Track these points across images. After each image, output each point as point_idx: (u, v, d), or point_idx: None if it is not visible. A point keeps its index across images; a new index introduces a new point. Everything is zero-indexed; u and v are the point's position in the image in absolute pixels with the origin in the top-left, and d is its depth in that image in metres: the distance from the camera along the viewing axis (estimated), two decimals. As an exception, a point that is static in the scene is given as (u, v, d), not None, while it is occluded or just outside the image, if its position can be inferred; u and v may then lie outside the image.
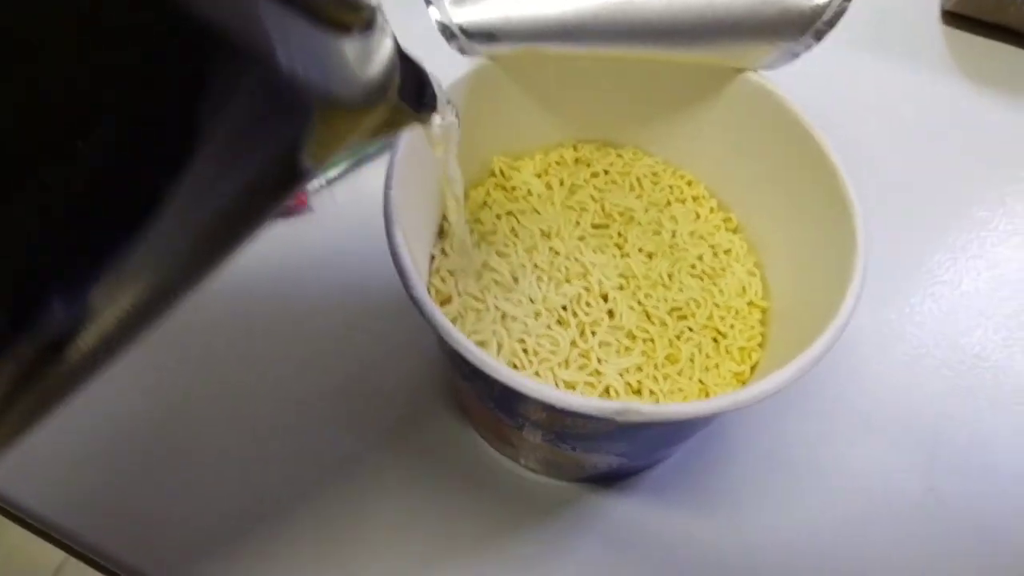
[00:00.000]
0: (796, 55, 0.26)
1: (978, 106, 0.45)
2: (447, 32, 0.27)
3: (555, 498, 0.31)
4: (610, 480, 0.32)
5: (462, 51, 0.27)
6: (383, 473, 0.32)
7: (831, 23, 0.25)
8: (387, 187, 0.24)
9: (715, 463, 0.32)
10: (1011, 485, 0.32)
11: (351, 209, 0.39)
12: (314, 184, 0.39)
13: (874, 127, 0.43)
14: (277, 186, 0.14)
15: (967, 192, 0.41)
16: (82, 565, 0.33)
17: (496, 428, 0.29)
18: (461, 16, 0.26)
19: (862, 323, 0.36)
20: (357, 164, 0.40)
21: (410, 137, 0.25)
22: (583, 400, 0.20)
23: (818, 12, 0.25)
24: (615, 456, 0.27)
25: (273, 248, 0.38)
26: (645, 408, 0.20)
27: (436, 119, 0.22)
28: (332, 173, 0.39)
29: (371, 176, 0.40)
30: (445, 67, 0.28)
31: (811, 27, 0.26)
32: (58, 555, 0.81)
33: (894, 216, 0.40)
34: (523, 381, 0.20)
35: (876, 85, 0.46)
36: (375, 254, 0.37)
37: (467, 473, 0.32)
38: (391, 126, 0.20)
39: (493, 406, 0.25)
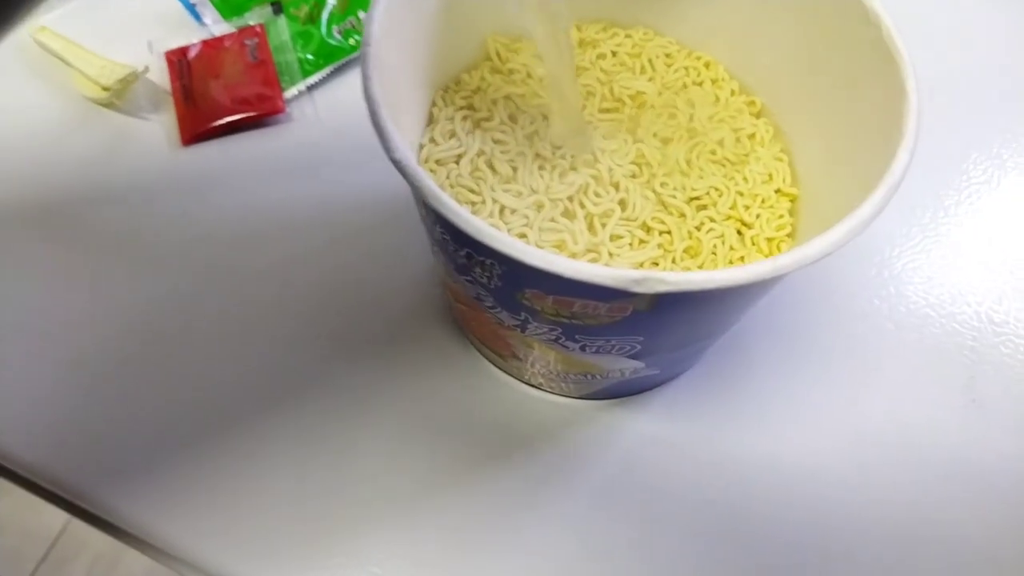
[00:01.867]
0: None
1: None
2: None
3: (564, 416, 0.29)
4: (622, 396, 0.29)
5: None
6: (375, 395, 0.29)
7: None
8: (366, 41, 0.20)
9: (735, 377, 0.30)
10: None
11: (333, 116, 0.36)
12: (292, 91, 0.36)
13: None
14: None
15: (1013, 92, 0.38)
16: (84, 526, 0.30)
17: (497, 337, 0.26)
18: None
19: (893, 228, 0.33)
20: (339, 70, 0.37)
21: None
22: (595, 268, 0.17)
23: None
24: (629, 360, 0.24)
25: (250, 158, 0.34)
26: (670, 276, 0.17)
27: None
28: (312, 79, 0.36)
29: (354, 82, 0.37)
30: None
31: None
32: (59, 519, 0.79)
33: (930, 115, 0.36)
34: (523, 247, 0.17)
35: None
36: (359, 164, 0.34)
37: (467, 393, 0.29)
38: None
39: (492, 303, 0.22)
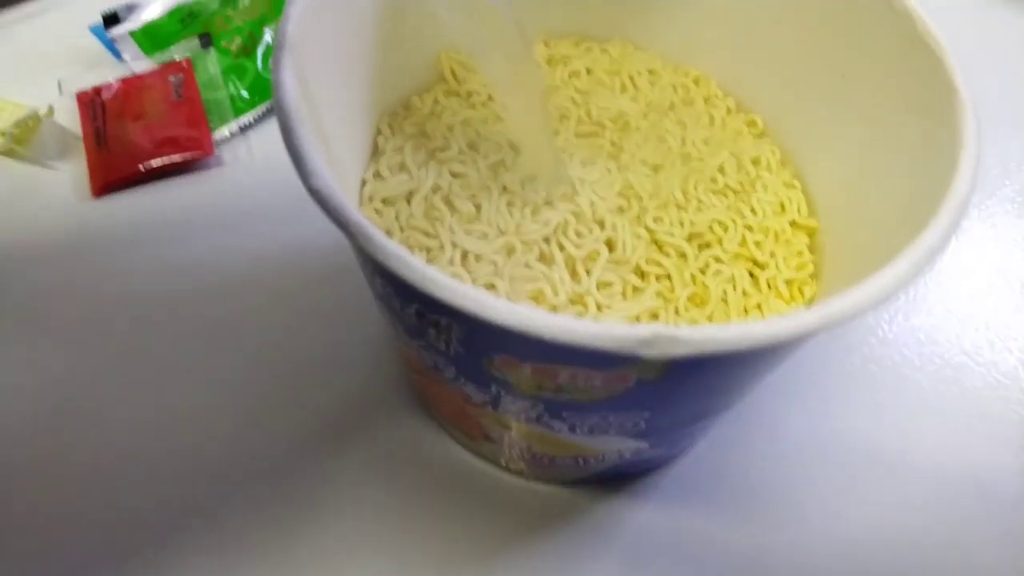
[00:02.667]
0: None
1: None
2: None
3: (549, 508, 0.24)
4: (614, 482, 0.24)
5: None
6: (330, 484, 0.24)
7: None
8: (279, 43, 0.16)
9: (751, 452, 0.25)
10: None
11: (269, 159, 0.31)
12: (223, 131, 0.31)
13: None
14: None
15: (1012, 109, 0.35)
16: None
17: (464, 415, 0.21)
18: None
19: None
20: (274, 110, 0.32)
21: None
22: (586, 326, 0.12)
23: None
24: (628, 439, 0.19)
25: (173, 208, 0.29)
26: (688, 333, 0.12)
27: None
28: (246, 118, 0.31)
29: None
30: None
31: None
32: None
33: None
34: (485, 300, 0.13)
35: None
36: (299, 212, 0.29)
37: (435, 481, 0.24)
38: None
39: (454, 374, 0.18)
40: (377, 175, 0.21)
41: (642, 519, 0.23)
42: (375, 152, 0.22)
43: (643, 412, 0.17)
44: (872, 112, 0.19)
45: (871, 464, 0.24)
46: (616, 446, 0.19)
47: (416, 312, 0.16)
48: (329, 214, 0.14)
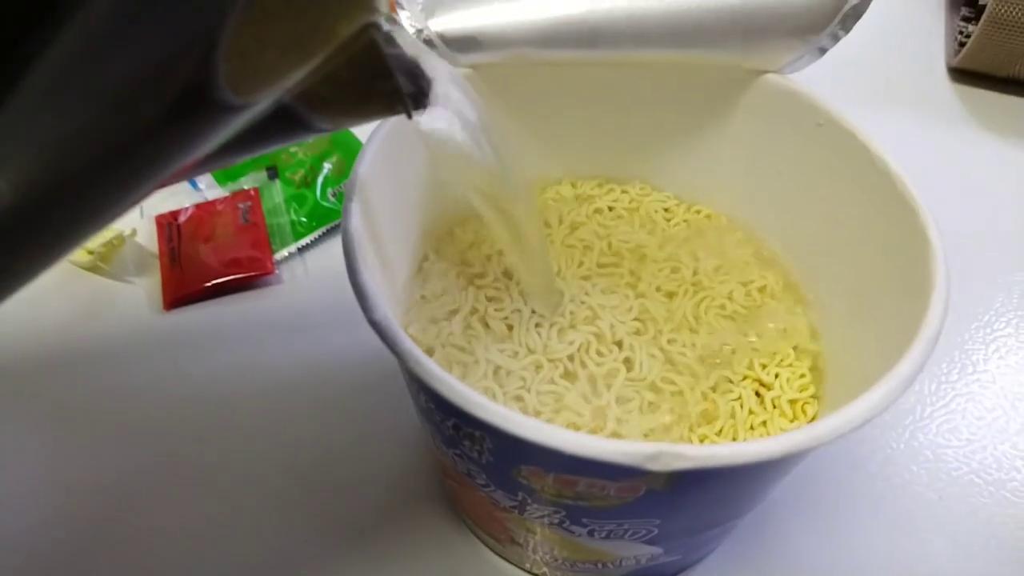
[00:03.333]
0: (823, 50, 0.23)
1: (993, 157, 0.41)
2: (426, 41, 0.23)
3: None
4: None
5: (441, 64, 0.24)
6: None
7: (859, 9, 0.22)
8: (351, 184, 0.19)
9: (768, 560, 0.26)
10: None
11: (324, 280, 0.35)
12: (283, 252, 0.35)
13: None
14: (186, 104, 0.11)
15: (1011, 242, 0.37)
16: None
17: (493, 519, 0.23)
18: (439, 24, 0.23)
19: (922, 387, 0.31)
20: (330, 232, 0.36)
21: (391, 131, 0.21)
22: (600, 443, 0.15)
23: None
24: (645, 545, 0.21)
25: (239, 320, 0.33)
26: (689, 450, 0.14)
27: (425, 118, 0.18)
28: (304, 240, 0.35)
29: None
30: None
31: (838, 15, 0.22)
32: None
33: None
34: (515, 418, 0.15)
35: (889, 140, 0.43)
36: (351, 329, 0.32)
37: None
38: (357, 95, 0.16)
39: (485, 480, 0.20)
40: (423, 297, 0.24)
41: (660, 627, 0.24)
42: (420, 273, 0.25)
43: (654, 519, 0.19)
44: (864, 253, 0.22)
45: (884, 580, 0.25)
46: (632, 552, 0.21)
47: (454, 425, 0.18)
48: (386, 342, 0.17)
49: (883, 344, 0.19)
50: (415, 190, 0.24)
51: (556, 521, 0.20)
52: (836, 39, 0.23)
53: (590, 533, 0.20)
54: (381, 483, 0.28)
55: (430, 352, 0.23)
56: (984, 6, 0.42)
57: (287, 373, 0.31)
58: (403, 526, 0.27)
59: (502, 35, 0.23)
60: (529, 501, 0.19)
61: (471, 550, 0.26)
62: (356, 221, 0.19)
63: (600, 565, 0.22)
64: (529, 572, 0.25)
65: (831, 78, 0.23)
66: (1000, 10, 0.41)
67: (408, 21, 0.23)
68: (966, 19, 0.47)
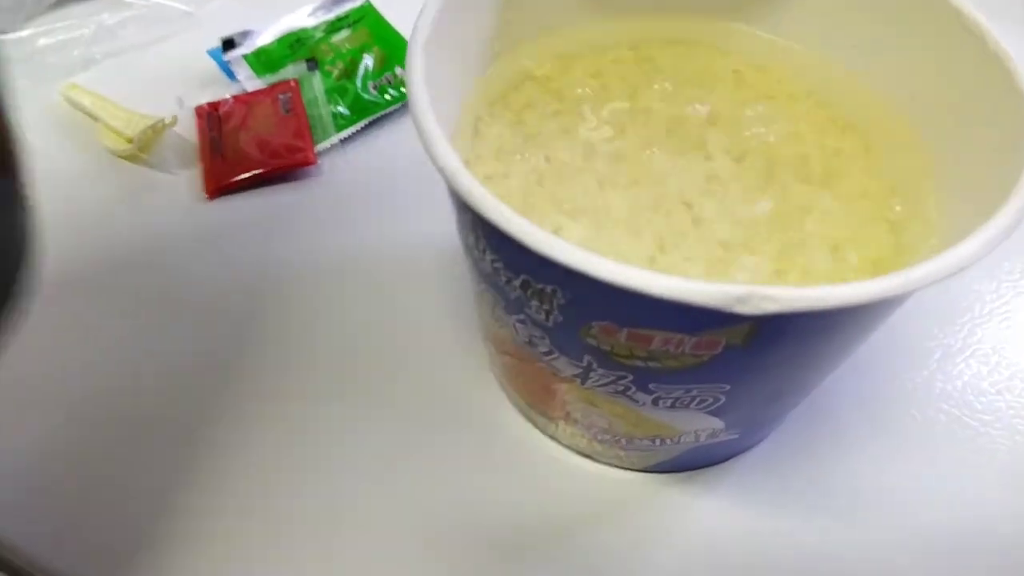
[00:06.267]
0: None
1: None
2: None
3: (623, 494, 0.25)
4: (692, 469, 0.25)
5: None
6: (404, 462, 0.25)
7: None
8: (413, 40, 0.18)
9: (820, 451, 0.26)
10: None
11: (366, 170, 0.34)
12: (324, 144, 0.34)
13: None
14: None
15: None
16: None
17: (549, 393, 0.22)
18: None
19: (981, 285, 0.30)
20: (373, 124, 0.35)
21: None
22: (688, 284, 0.14)
23: None
24: (708, 416, 0.20)
25: (279, 210, 0.32)
26: (781, 292, 0.14)
27: None
28: (346, 132, 0.34)
29: (389, 137, 0.35)
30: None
31: None
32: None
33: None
34: (599, 261, 0.14)
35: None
36: (391, 218, 0.32)
37: (511, 467, 0.25)
38: None
39: (548, 347, 0.19)
40: (478, 156, 0.23)
41: (712, 508, 0.24)
42: (475, 135, 0.23)
43: (725, 384, 0.18)
44: (944, 117, 0.21)
45: (942, 479, 0.25)
46: (694, 425, 0.21)
47: (522, 283, 0.17)
48: (456, 189, 0.16)
49: (970, 207, 0.19)
50: (468, 47, 0.23)
51: (621, 389, 0.19)
52: None
53: (655, 402, 0.19)
54: (429, 368, 0.28)
55: None
56: None
57: (332, 264, 0.31)
58: (453, 409, 0.27)
59: None
60: (595, 366, 0.19)
61: (521, 433, 0.26)
62: (419, 78, 0.18)
63: (657, 441, 0.22)
64: (581, 453, 0.25)
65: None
66: None
67: None
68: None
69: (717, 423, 0.21)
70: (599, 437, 0.23)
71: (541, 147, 0.23)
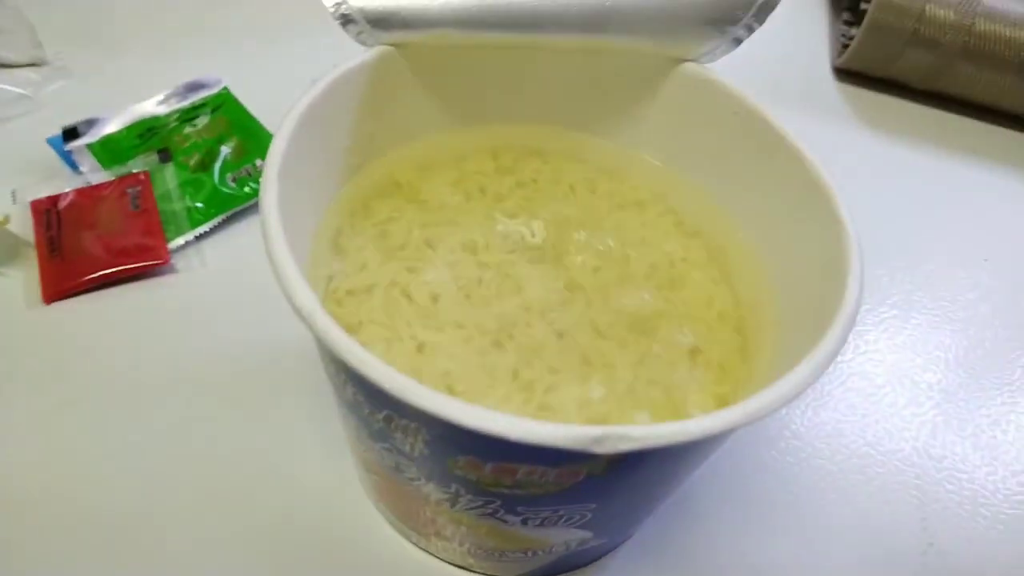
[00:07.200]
0: (738, 41, 0.23)
1: (876, 152, 0.44)
2: (344, 17, 0.22)
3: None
4: (563, 572, 0.25)
5: (362, 40, 0.23)
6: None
7: (772, 2, 0.23)
8: (267, 176, 0.18)
9: (683, 538, 0.27)
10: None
11: (223, 269, 0.32)
12: (178, 241, 0.32)
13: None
14: None
15: (893, 230, 0.40)
16: None
17: (419, 514, 0.22)
18: (361, -1, 0.22)
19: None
20: (231, 219, 0.34)
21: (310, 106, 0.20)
22: (547, 428, 0.14)
23: (758, -10, 0.23)
24: (575, 530, 0.21)
25: (129, 314, 0.30)
26: (635, 431, 0.14)
27: None
28: (202, 228, 0.33)
29: (247, 231, 0.34)
30: (335, 52, 0.23)
31: (752, 7, 0.23)
32: None
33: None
34: (460, 407, 0.14)
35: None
36: (255, 320, 0.31)
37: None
38: None
39: (415, 474, 0.19)
40: (342, 271, 0.23)
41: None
42: (337, 250, 0.23)
43: (590, 504, 0.18)
44: (776, 231, 0.23)
45: (790, 549, 0.27)
46: (564, 538, 0.21)
47: (385, 417, 0.17)
48: (314, 332, 0.16)
49: (802, 316, 0.20)
50: (329, 162, 0.23)
51: (490, 512, 0.19)
52: (751, 30, 0.23)
53: (524, 522, 0.19)
54: (294, 476, 0.26)
55: (356, 329, 0.21)
56: (864, 11, 0.45)
57: (184, 368, 0.29)
58: (321, 522, 0.26)
59: (425, 14, 0.22)
60: (463, 492, 0.18)
61: (392, 543, 0.25)
62: (273, 206, 0.17)
63: (530, 553, 0.22)
64: (453, 564, 0.25)
65: (727, 75, 0.24)
66: (878, 16, 0.44)
67: (330, -3, 0.22)
68: (848, 23, 0.50)
69: (586, 534, 0.21)
70: (472, 551, 0.23)
71: (404, 260, 0.23)
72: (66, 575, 0.24)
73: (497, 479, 0.17)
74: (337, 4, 0.22)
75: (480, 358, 0.21)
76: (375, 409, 0.17)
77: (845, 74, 0.49)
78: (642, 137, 0.26)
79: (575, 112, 0.27)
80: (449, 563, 0.25)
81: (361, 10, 0.22)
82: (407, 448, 0.18)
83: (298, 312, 0.16)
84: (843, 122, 0.46)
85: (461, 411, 0.14)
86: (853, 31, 0.49)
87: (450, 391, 0.20)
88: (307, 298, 0.16)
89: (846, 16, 0.51)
